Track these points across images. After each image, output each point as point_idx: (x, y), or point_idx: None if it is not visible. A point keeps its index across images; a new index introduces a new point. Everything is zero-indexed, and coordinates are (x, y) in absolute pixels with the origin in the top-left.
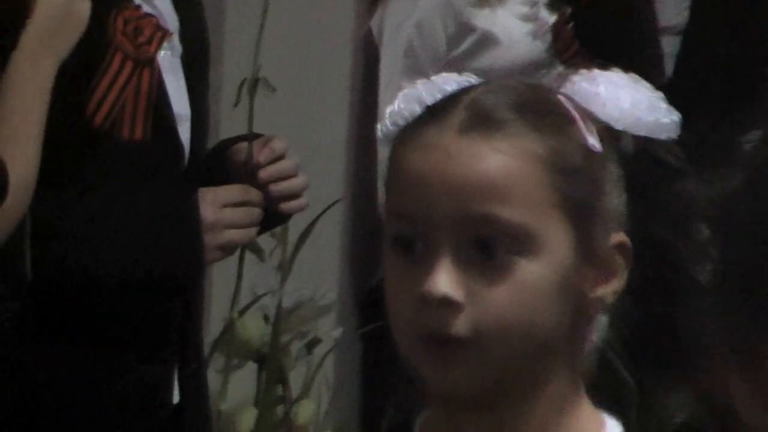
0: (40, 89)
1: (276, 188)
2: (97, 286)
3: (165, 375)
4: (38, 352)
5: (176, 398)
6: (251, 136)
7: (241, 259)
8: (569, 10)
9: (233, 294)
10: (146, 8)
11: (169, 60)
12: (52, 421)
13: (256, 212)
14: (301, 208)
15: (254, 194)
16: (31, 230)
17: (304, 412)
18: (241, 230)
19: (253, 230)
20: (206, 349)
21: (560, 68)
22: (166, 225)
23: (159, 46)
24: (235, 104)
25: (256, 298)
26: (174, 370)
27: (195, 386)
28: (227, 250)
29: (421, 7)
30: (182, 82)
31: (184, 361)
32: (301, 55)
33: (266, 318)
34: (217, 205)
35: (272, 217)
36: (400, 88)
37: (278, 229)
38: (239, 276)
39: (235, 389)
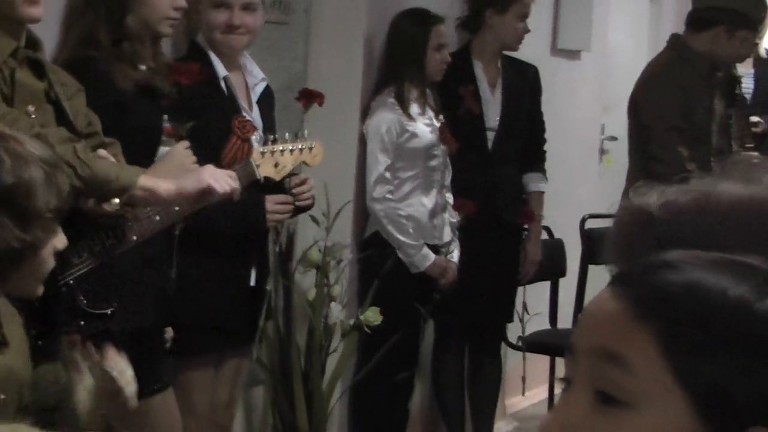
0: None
1: (301, 198)
2: (220, 229)
3: (247, 271)
4: (189, 257)
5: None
6: (294, 174)
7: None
8: (445, 121)
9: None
10: (248, 117)
11: (258, 135)
12: (188, 292)
13: (289, 207)
14: (311, 207)
15: (289, 199)
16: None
17: (335, 290)
18: (280, 215)
19: (287, 215)
20: (294, 265)
21: (442, 146)
22: (250, 207)
23: (252, 135)
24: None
25: (315, 242)
26: (252, 269)
27: (262, 277)
28: (275, 222)
29: (386, 122)
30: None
31: (258, 266)
32: (336, 132)
33: (320, 250)
34: (271, 203)
35: (299, 210)
36: (377, 158)
37: (327, 212)
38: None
39: (306, 280)
